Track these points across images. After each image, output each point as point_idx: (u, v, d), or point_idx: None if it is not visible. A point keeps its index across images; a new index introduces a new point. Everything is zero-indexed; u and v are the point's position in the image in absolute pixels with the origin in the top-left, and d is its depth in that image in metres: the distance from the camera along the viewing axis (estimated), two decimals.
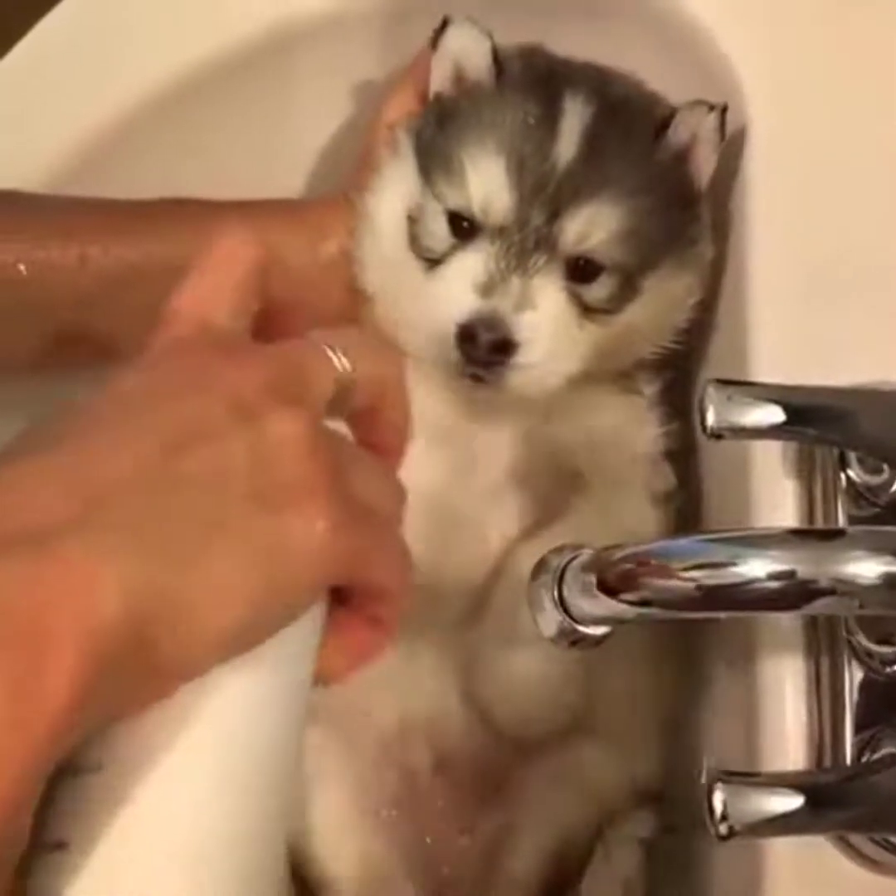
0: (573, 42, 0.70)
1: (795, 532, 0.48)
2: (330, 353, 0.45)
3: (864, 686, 0.57)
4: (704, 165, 0.67)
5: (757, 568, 0.46)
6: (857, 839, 0.55)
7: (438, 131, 0.67)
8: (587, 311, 0.65)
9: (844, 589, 0.45)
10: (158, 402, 0.40)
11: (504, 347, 0.62)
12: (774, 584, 0.45)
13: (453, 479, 0.68)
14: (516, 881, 0.68)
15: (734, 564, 0.46)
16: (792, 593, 0.46)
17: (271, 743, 0.42)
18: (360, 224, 0.70)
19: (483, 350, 0.62)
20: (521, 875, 0.68)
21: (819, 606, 0.46)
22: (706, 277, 0.69)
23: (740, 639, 0.62)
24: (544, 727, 0.67)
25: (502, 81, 0.66)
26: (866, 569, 0.45)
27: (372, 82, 0.78)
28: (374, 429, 0.48)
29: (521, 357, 0.63)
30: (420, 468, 0.68)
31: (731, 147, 0.68)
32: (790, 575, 0.45)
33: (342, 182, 0.74)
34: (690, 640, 0.70)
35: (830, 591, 0.45)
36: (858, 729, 0.56)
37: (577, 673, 0.65)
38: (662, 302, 0.68)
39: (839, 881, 0.56)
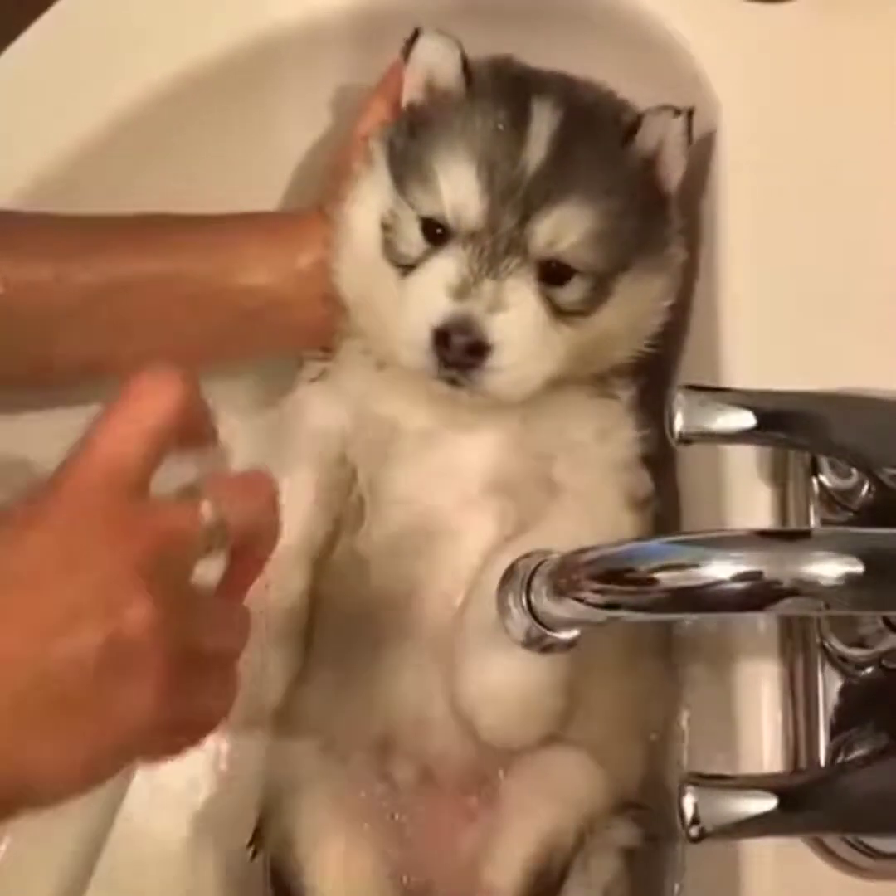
0: (544, 53, 0.71)
1: (761, 533, 0.48)
2: (204, 509, 0.49)
3: (838, 690, 0.57)
4: (673, 169, 0.68)
5: (722, 569, 0.46)
6: (832, 842, 0.56)
7: (411, 140, 0.68)
8: (560, 313, 0.66)
9: (809, 590, 0.45)
10: (41, 582, 0.46)
11: (478, 350, 0.63)
12: (740, 585, 0.46)
13: (430, 487, 0.69)
14: (498, 890, 0.68)
15: (698, 566, 0.46)
16: (757, 594, 0.46)
17: None
18: (336, 235, 0.70)
19: (457, 352, 0.63)
20: (502, 884, 0.68)
21: (785, 607, 0.46)
22: (678, 280, 0.69)
23: (716, 645, 0.62)
24: (527, 736, 0.67)
25: (472, 90, 0.67)
26: (830, 569, 0.45)
27: (348, 93, 0.78)
28: (242, 559, 0.53)
29: (496, 359, 0.63)
30: (397, 475, 0.68)
31: (702, 151, 0.69)
32: (755, 576, 0.45)
33: (318, 193, 0.74)
34: (668, 647, 0.70)
35: (796, 592, 0.45)
36: (833, 732, 0.57)
37: (559, 681, 0.65)
38: (635, 304, 0.68)
39: (816, 885, 0.56)
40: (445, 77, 0.68)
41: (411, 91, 0.70)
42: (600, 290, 0.66)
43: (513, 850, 0.68)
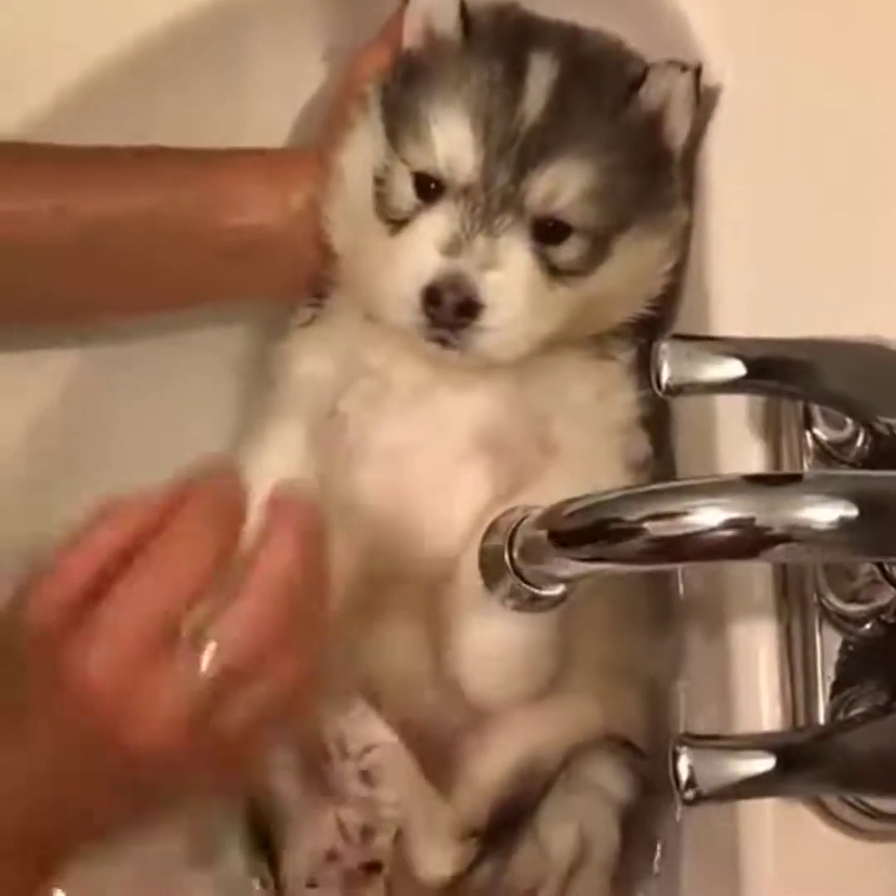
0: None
1: (751, 478, 0.47)
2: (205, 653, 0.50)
3: (836, 648, 0.56)
4: (678, 127, 0.66)
5: (711, 516, 0.44)
6: (833, 804, 0.54)
7: (405, 89, 0.66)
8: (556, 272, 0.64)
9: (802, 535, 0.44)
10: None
11: (469, 309, 0.61)
12: (730, 533, 0.44)
13: (422, 444, 0.67)
14: (476, 790, 0.67)
15: (687, 513, 0.44)
16: (749, 541, 0.44)
17: None
18: (330, 181, 0.68)
19: (448, 312, 0.61)
20: (481, 783, 0.67)
21: (778, 554, 0.44)
22: (681, 242, 0.67)
23: (713, 606, 0.61)
24: (513, 697, 0.65)
25: (470, 38, 0.65)
26: (823, 513, 0.44)
27: (334, 52, 0.76)
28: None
29: (487, 319, 0.62)
30: (386, 429, 0.67)
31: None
32: (746, 522, 0.44)
33: (314, 137, 0.73)
34: (665, 607, 0.70)
35: (788, 538, 0.44)
36: (832, 691, 0.55)
37: (548, 641, 0.64)
38: (635, 265, 0.66)
39: (817, 847, 0.55)
40: (444, 23, 0.66)
41: (410, 36, 0.67)
42: (598, 249, 0.64)
43: (496, 755, 0.67)
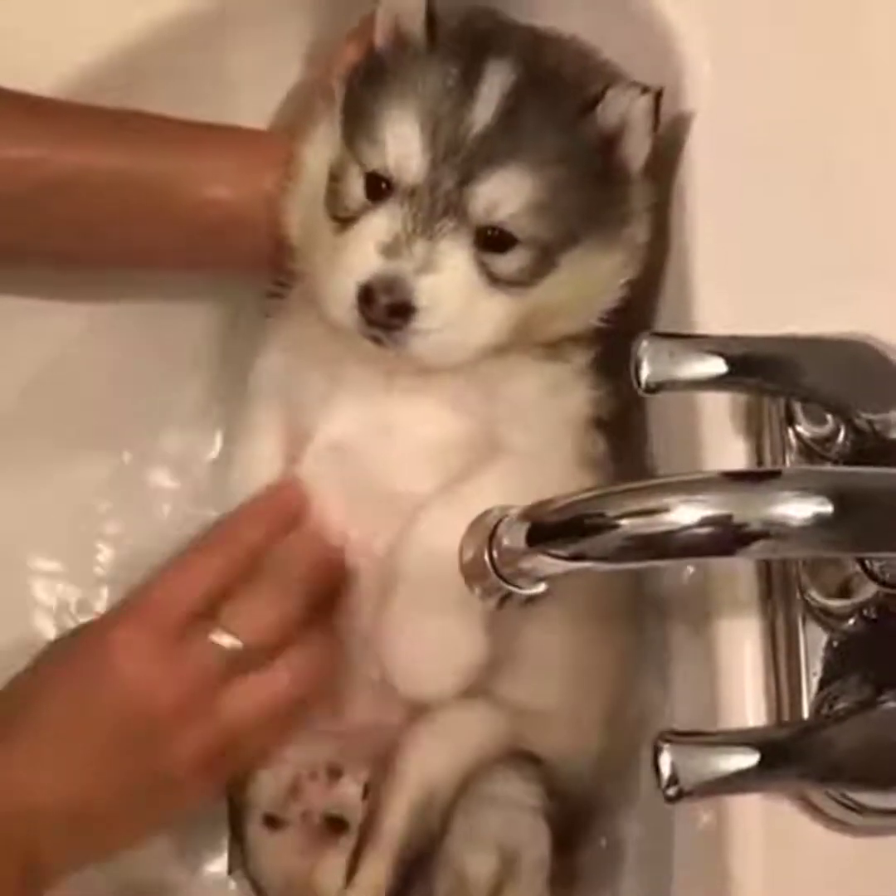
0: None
1: (729, 475, 0.47)
2: (222, 640, 0.62)
3: (820, 644, 0.56)
4: (636, 149, 0.65)
5: (689, 513, 0.44)
6: (820, 800, 0.54)
7: (366, 88, 0.66)
8: (497, 281, 0.63)
9: (778, 531, 0.44)
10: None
11: (402, 311, 0.61)
12: (707, 530, 0.44)
13: (369, 446, 0.68)
14: (384, 835, 0.68)
15: (665, 511, 0.44)
16: (726, 538, 0.44)
17: None
18: (291, 172, 0.69)
19: (380, 312, 0.61)
20: (387, 828, 0.67)
21: (755, 550, 0.44)
22: (637, 260, 0.67)
23: (697, 603, 0.61)
24: (441, 690, 0.66)
25: (434, 41, 0.65)
26: (798, 510, 0.44)
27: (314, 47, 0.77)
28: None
29: (421, 322, 0.62)
30: (334, 426, 0.67)
31: (675, 105, 0.67)
32: (724, 519, 0.44)
33: (290, 122, 0.74)
34: (648, 604, 0.70)
35: (765, 535, 0.44)
36: (816, 686, 0.55)
37: (480, 638, 0.64)
38: (583, 280, 0.66)
39: (804, 842, 0.55)
40: (411, 25, 0.65)
41: (380, 35, 0.67)
42: (544, 262, 0.64)
43: (400, 789, 0.68)
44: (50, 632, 0.80)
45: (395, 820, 0.67)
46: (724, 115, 0.66)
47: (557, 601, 0.63)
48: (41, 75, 0.71)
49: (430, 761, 0.68)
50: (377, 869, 0.67)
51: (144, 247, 0.72)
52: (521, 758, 0.69)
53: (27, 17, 0.71)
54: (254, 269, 0.74)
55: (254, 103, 0.77)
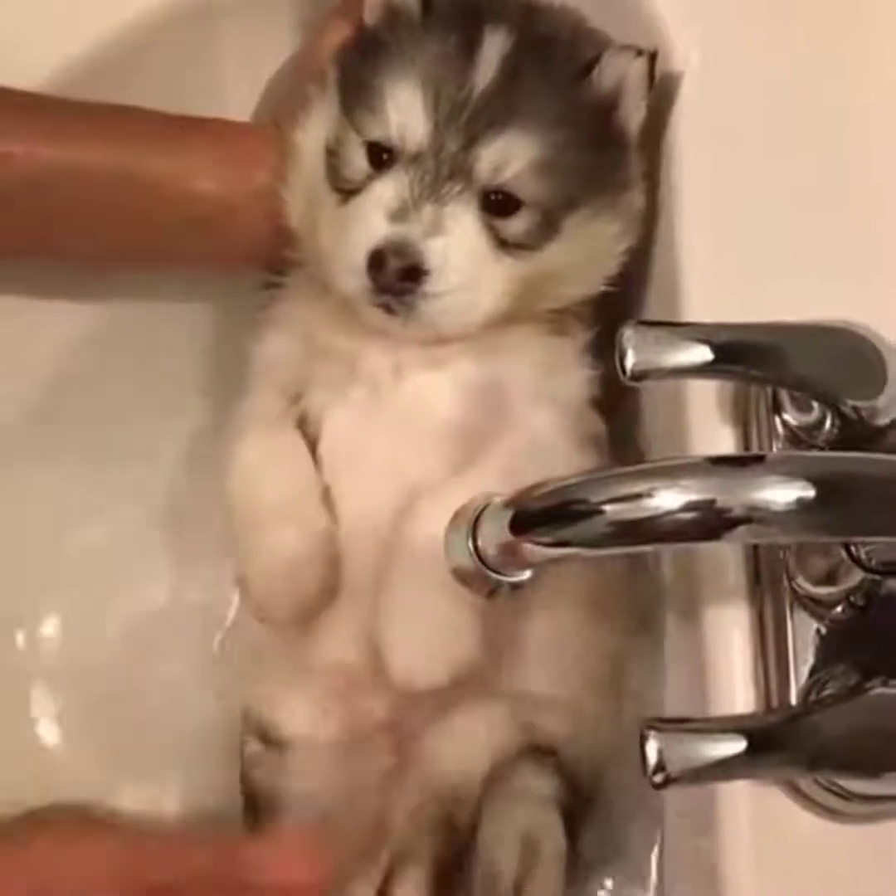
0: None
1: (712, 460, 0.47)
2: None
3: (808, 631, 0.56)
4: (632, 112, 0.66)
5: (672, 498, 0.44)
6: (808, 786, 0.54)
7: (363, 63, 0.66)
8: (504, 245, 0.64)
9: (761, 516, 0.44)
10: None
11: (413, 274, 0.62)
12: (690, 515, 0.44)
13: (377, 429, 0.68)
14: (405, 839, 0.67)
15: (648, 496, 0.44)
16: (709, 523, 0.44)
17: None
18: (286, 159, 0.69)
19: (391, 276, 0.62)
20: (409, 830, 0.67)
21: (739, 535, 0.44)
22: (636, 226, 0.68)
23: (685, 591, 0.61)
24: (433, 678, 0.64)
25: (427, 12, 0.66)
26: (781, 494, 0.44)
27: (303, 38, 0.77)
28: None
29: (431, 285, 0.62)
30: (349, 417, 0.67)
31: (662, 91, 0.67)
32: (707, 504, 0.44)
33: (274, 112, 0.74)
34: (637, 593, 0.70)
35: (748, 520, 0.44)
36: (804, 673, 0.55)
37: (473, 625, 0.63)
38: (586, 244, 0.67)
39: (793, 829, 0.55)
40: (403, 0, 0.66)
41: (371, 11, 0.68)
42: (548, 225, 0.65)
43: (418, 791, 0.68)
44: None
45: (423, 833, 0.67)
46: (711, 106, 0.66)
47: (560, 590, 0.65)
48: (29, 70, 0.71)
49: (451, 769, 0.68)
50: (416, 883, 0.67)
51: (136, 242, 0.72)
52: (538, 751, 0.69)
53: (14, 11, 0.72)
54: (247, 263, 0.74)
55: (242, 96, 0.78)
